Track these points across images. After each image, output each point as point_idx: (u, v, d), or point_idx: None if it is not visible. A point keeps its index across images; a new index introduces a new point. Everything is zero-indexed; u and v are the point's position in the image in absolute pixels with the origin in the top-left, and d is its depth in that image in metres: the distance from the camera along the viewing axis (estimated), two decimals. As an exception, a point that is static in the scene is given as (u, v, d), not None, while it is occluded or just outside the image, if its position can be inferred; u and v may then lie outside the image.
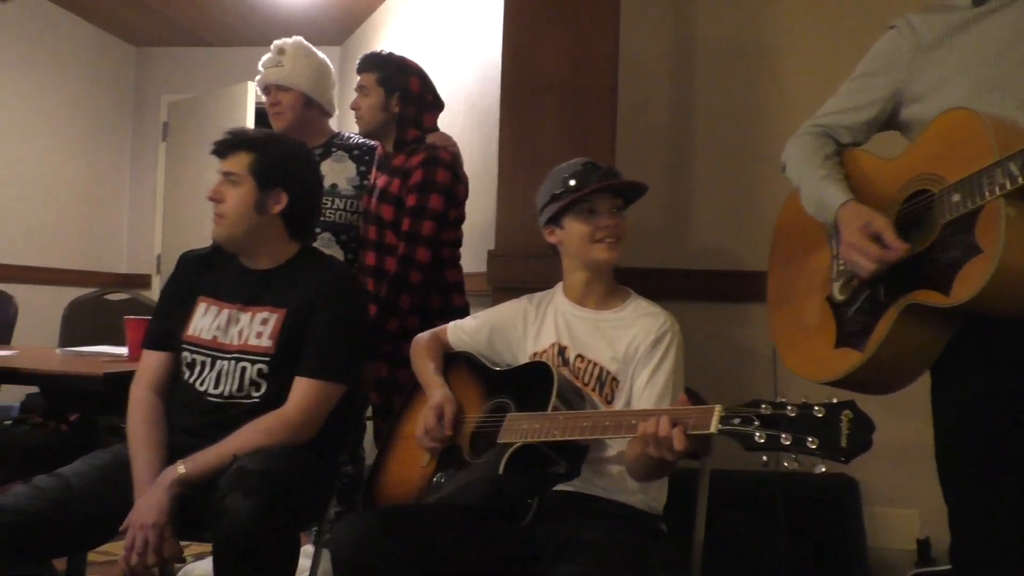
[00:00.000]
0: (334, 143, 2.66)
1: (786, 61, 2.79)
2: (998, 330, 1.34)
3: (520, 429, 1.52)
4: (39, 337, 3.36)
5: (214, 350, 1.78)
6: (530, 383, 1.61)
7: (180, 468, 1.61)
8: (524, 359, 1.75)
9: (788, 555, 2.33)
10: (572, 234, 1.71)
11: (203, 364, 1.78)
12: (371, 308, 2.14)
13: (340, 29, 5.34)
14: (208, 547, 1.92)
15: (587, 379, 1.67)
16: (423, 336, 1.91)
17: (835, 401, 1.15)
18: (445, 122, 2.53)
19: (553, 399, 1.53)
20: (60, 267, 5.14)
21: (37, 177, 5.02)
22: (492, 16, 3.03)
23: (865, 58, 1.62)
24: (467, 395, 1.72)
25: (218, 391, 1.75)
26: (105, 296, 3.27)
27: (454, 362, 1.84)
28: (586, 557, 1.41)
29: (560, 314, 1.76)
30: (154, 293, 5.23)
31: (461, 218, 2.42)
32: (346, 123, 4.29)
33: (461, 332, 1.87)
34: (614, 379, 1.65)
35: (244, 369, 1.75)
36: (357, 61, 2.49)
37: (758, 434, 1.18)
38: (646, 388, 1.62)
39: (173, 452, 1.69)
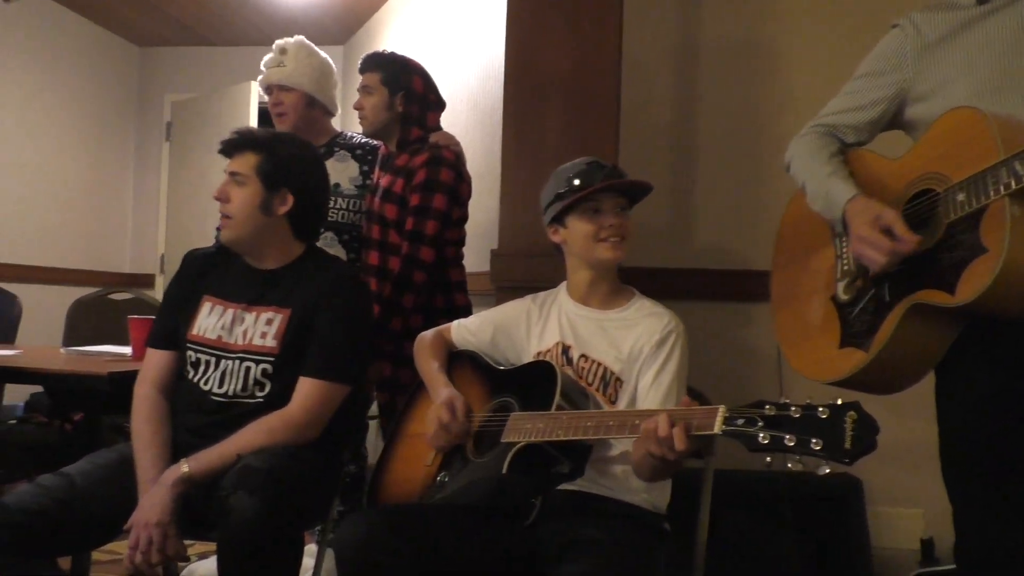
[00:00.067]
0: (337, 143, 2.65)
1: (789, 61, 2.79)
2: (1003, 330, 1.34)
3: (524, 428, 1.52)
4: (43, 337, 3.36)
5: (219, 349, 1.78)
6: (534, 382, 1.61)
7: (184, 467, 1.61)
8: (528, 358, 1.74)
9: (792, 555, 2.32)
10: (576, 233, 1.70)
11: (207, 363, 1.78)
12: (374, 308, 2.14)
13: (343, 29, 5.35)
14: (212, 546, 1.92)
15: (591, 379, 1.66)
16: (427, 335, 1.91)
17: (839, 402, 1.15)
18: (448, 122, 2.53)
19: (557, 398, 1.53)
20: (64, 267, 5.14)
21: (41, 177, 5.03)
22: (495, 15, 3.03)
23: (868, 57, 1.61)
24: (471, 394, 1.72)
25: (222, 390, 1.75)
26: (109, 296, 3.27)
27: (458, 361, 1.84)
28: (590, 556, 1.41)
29: (564, 313, 1.76)
30: (158, 292, 5.24)
31: (464, 217, 2.42)
32: (348, 122, 4.29)
33: (465, 331, 1.86)
34: (618, 379, 1.65)
35: (248, 369, 1.75)
36: (360, 61, 2.50)
37: (762, 435, 1.18)
38: (651, 388, 1.61)
39: (177, 451, 1.69)
